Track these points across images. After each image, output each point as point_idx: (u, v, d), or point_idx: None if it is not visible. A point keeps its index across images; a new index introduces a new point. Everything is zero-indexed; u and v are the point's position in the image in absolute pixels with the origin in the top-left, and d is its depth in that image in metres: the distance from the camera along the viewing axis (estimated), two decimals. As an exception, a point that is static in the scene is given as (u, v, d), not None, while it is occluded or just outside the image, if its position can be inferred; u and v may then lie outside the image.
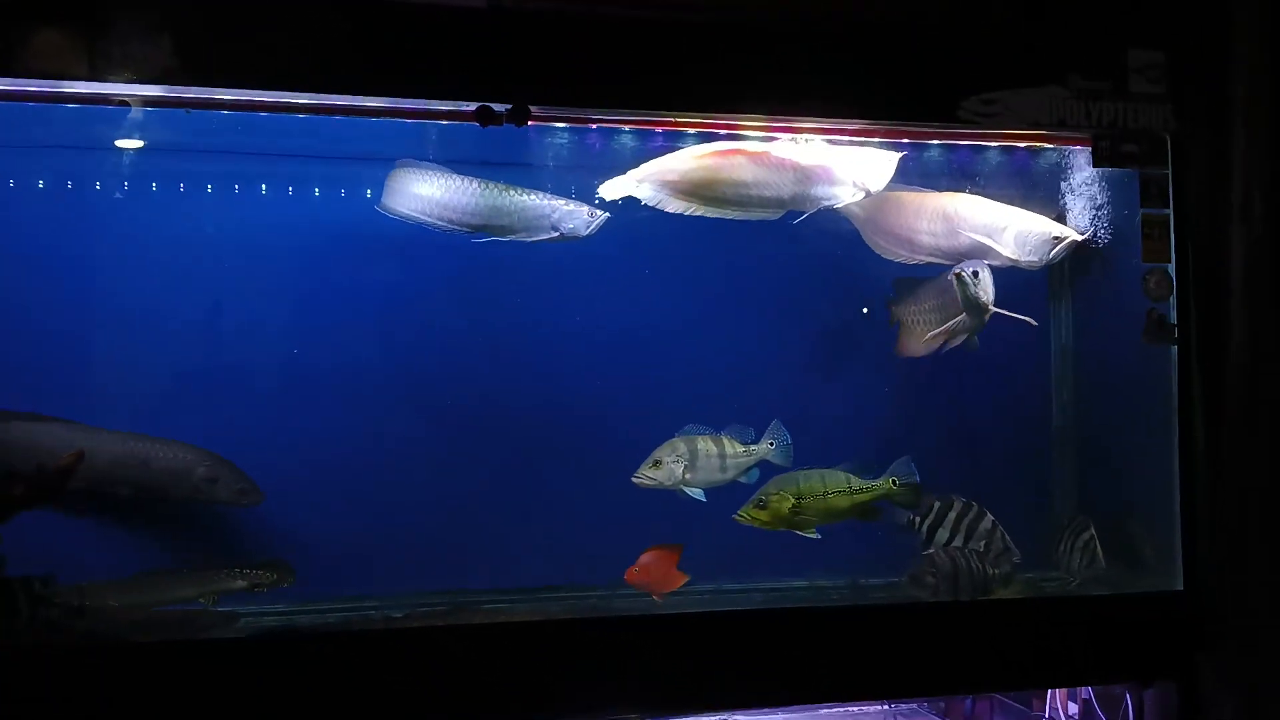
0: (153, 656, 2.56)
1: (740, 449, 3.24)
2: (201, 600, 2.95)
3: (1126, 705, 3.28)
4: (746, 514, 3.08)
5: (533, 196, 3.17)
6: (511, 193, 3.16)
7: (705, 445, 3.21)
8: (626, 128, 3.10)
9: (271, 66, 2.65)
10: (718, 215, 3.19)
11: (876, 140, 3.20)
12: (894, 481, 3.20)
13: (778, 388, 3.52)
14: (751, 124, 3.03)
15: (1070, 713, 3.48)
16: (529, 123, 2.79)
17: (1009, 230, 3.38)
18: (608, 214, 3.21)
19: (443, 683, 2.65)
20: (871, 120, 3.04)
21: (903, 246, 3.43)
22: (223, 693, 2.55)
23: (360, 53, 2.71)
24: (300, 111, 2.79)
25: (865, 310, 3.62)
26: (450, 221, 3.13)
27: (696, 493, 3.21)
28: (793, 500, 3.08)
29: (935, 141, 3.34)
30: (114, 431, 3.02)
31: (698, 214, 3.17)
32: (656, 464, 3.17)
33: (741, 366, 3.52)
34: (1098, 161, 3.13)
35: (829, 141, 3.12)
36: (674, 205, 3.17)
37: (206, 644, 2.70)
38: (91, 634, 2.72)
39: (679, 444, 3.20)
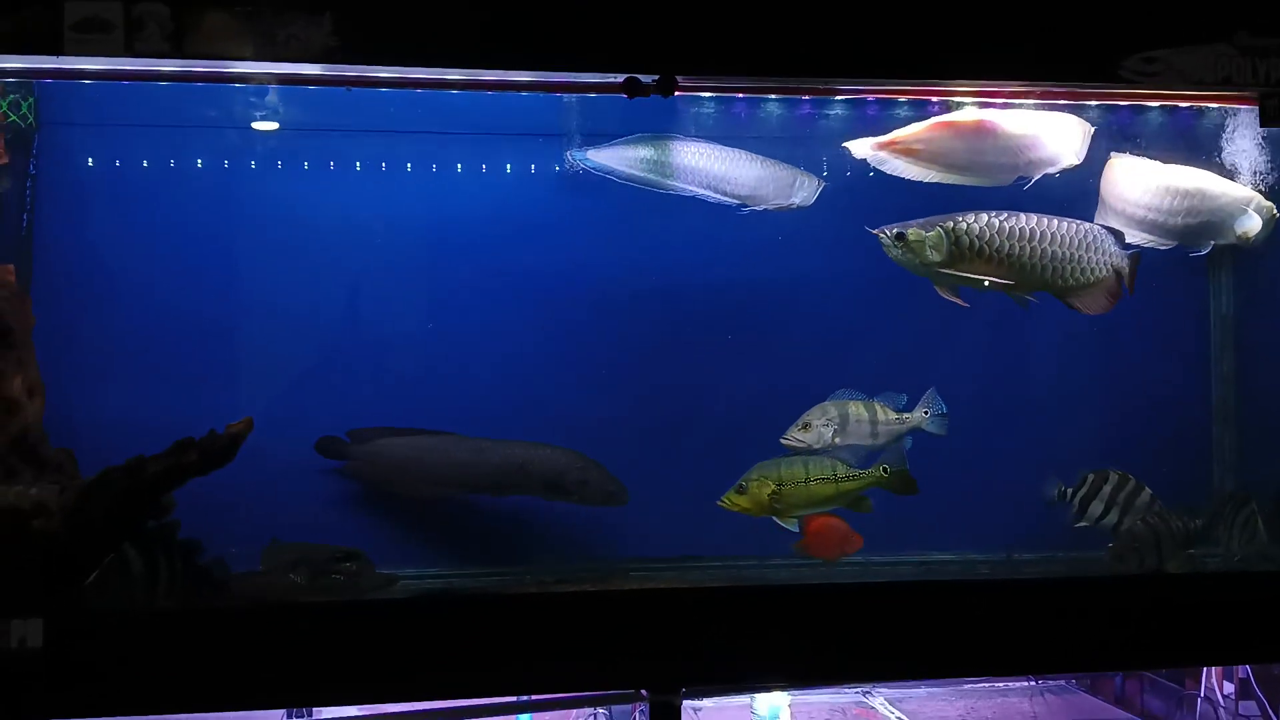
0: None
1: (893, 416, 3.21)
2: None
3: (1288, 685, 3.18)
4: (727, 499, 3.02)
5: (776, 167, 3.27)
6: (770, 165, 3.27)
7: (856, 410, 3.19)
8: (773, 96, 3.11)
9: (425, 43, 2.69)
10: (953, 181, 3.23)
11: (1032, 102, 3.12)
12: (884, 469, 3.09)
13: (927, 355, 3.48)
14: (899, 89, 2.99)
15: (1226, 692, 3.39)
16: (676, 93, 2.78)
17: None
18: (826, 182, 3.27)
19: (591, 645, 2.68)
20: (1030, 81, 2.95)
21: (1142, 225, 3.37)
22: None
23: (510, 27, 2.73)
24: (454, 88, 2.83)
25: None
26: (723, 192, 3.24)
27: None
28: (773, 486, 3.02)
29: (1094, 103, 3.23)
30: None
31: (933, 180, 3.21)
32: (806, 426, 3.16)
33: (904, 338, 3.50)
34: (1265, 120, 3.00)
35: (984, 104, 3.07)
36: (912, 172, 3.22)
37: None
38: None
39: (829, 408, 3.18)
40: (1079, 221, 3.17)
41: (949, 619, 2.86)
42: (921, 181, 3.23)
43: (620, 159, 3.23)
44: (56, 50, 2.56)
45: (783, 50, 2.81)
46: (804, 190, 3.27)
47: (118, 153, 3.22)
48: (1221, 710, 3.38)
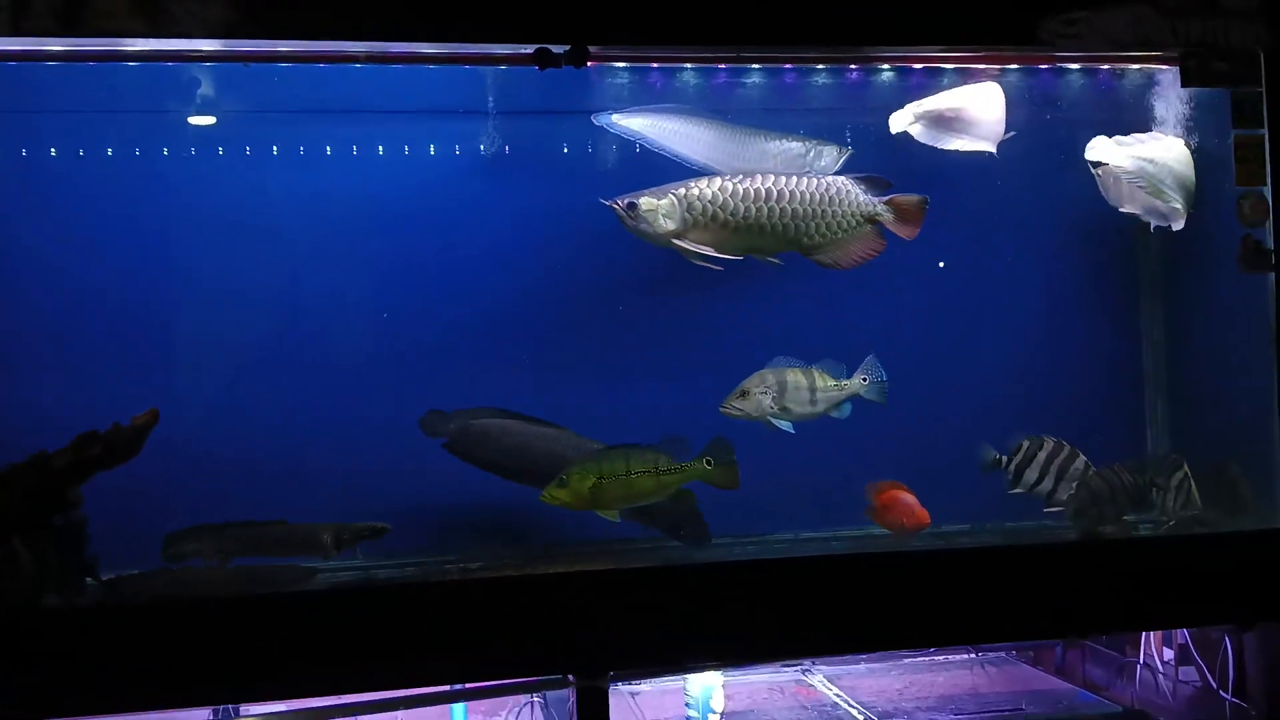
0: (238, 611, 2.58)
1: (831, 383, 3.17)
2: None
3: (1225, 649, 3.19)
4: (549, 493, 2.95)
5: (790, 140, 3.21)
6: (772, 138, 3.21)
7: (795, 378, 3.14)
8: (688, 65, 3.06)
9: (327, 15, 2.62)
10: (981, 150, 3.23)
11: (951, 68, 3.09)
12: (708, 461, 3.01)
13: (871, 326, 3.44)
14: (815, 57, 2.96)
15: (1166, 658, 3.39)
16: (588, 64, 2.73)
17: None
18: (851, 150, 3.22)
19: (515, 631, 2.64)
20: (946, 46, 2.92)
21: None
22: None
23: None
24: (359, 61, 2.76)
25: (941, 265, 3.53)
26: (719, 165, 3.16)
27: (785, 425, 3.14)
28: (593, 480, 2.93)
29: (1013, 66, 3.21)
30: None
31: (967, 150, 3.21)
32: (744, 394, 3.11)
33: (836, 305, 3.46)
34: (1186, 81, 2.99)
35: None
36: (953, 144, 3.22)
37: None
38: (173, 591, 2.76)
39: (767, 375, 3.14)
40: (821, 176, 3.13)
41: (884, 592, 2.85)
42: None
43: (645, 126, 3.15)
44: (-63, 30, 2.48)
45: (696, 18, 2.77)
46: (822, 159, 3.21)
47: (22, 140, 3.10)
48: (1161, 676, 3.38)
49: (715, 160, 3.16)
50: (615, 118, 3.14)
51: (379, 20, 2.65)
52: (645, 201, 3.02)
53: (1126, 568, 2.97)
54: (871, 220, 3.14)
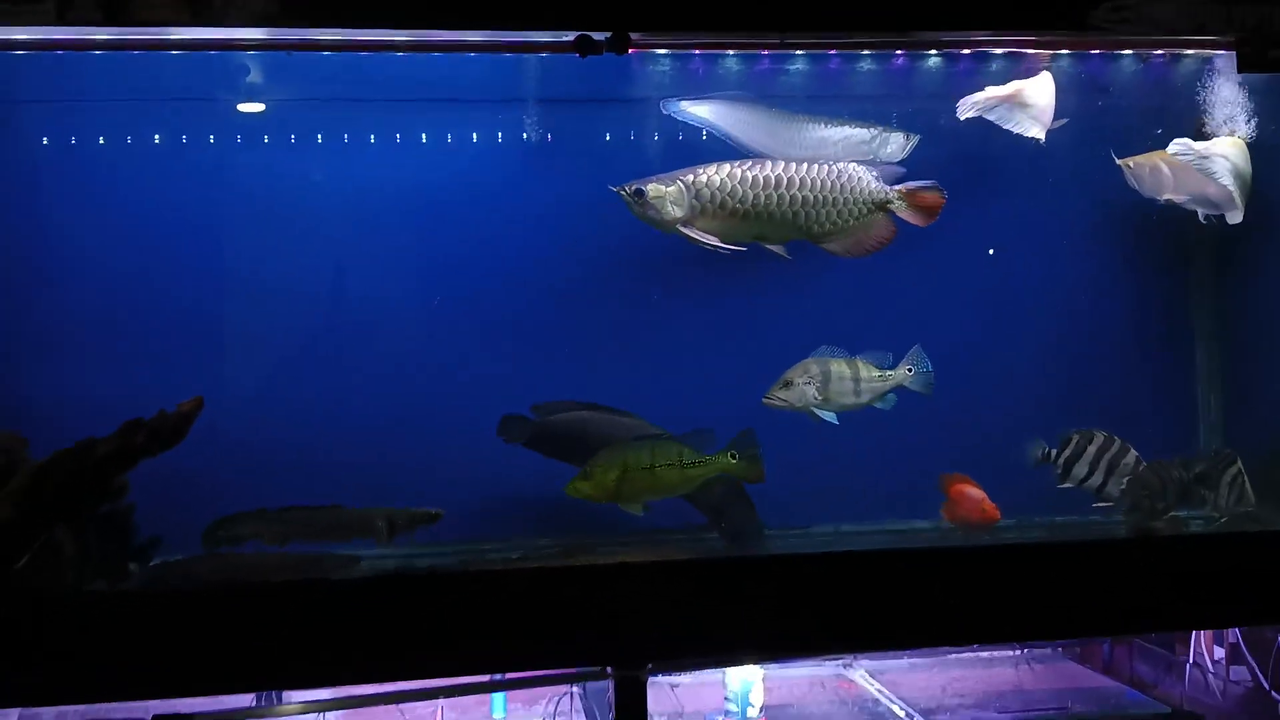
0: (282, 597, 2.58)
1: (876, 374, 3.13)
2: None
3: (1279, 648, 3.10)
4: (573, 486, 2.94)
5: (852, 126, 3.19)
6: (834, 124, 3.18)
7: (839, 367, 3.10)
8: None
9: (368, 3, 2.61)
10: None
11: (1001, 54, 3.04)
12: (732, 455, 2.98)
13: (917, 316, 3.40)
14: (863, 42, 2.91)
15: (1216, 657, 3.33)
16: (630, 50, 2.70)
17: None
18: (919, 136, 3.19)
19: (555, 622, 2.62)
20: (995, 31, 2.87)
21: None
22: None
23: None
24: (400, 49, 2.75)
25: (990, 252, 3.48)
26: (776, 153, 3.13)
27: (829, 415, 3.10)
28: (618, 472, 2.92)
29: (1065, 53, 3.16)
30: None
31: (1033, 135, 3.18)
32: (787, 384, 3.08)
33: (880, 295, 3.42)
34: (1242, 67, 2.91)
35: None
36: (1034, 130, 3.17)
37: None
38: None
39: (811, 365, 3.10)
40: (831, 163, 3.08)
41: (928, 588, 2.79)
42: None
43: (714, 114, 3.14)
44: (-15, 20, 2.50)
45: (741, 4, 2.73)
46: (889, 146, 3.18)
47: (65, 129, 3.12)
48: (1211, 676, 3.32)
49: (772, 148, 3.13)
50: (684, 105, 3.12)
51: (421, 7, 2.64)
52: (653, 188, 3.00)
53: (1178, 565, 2.89)
54: (883, 208, 3.10)
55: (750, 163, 3.03)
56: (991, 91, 3.14)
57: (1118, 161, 3.28)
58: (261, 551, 2.88)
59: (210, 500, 2.94)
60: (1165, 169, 3.26)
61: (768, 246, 3.09)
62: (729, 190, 3.00)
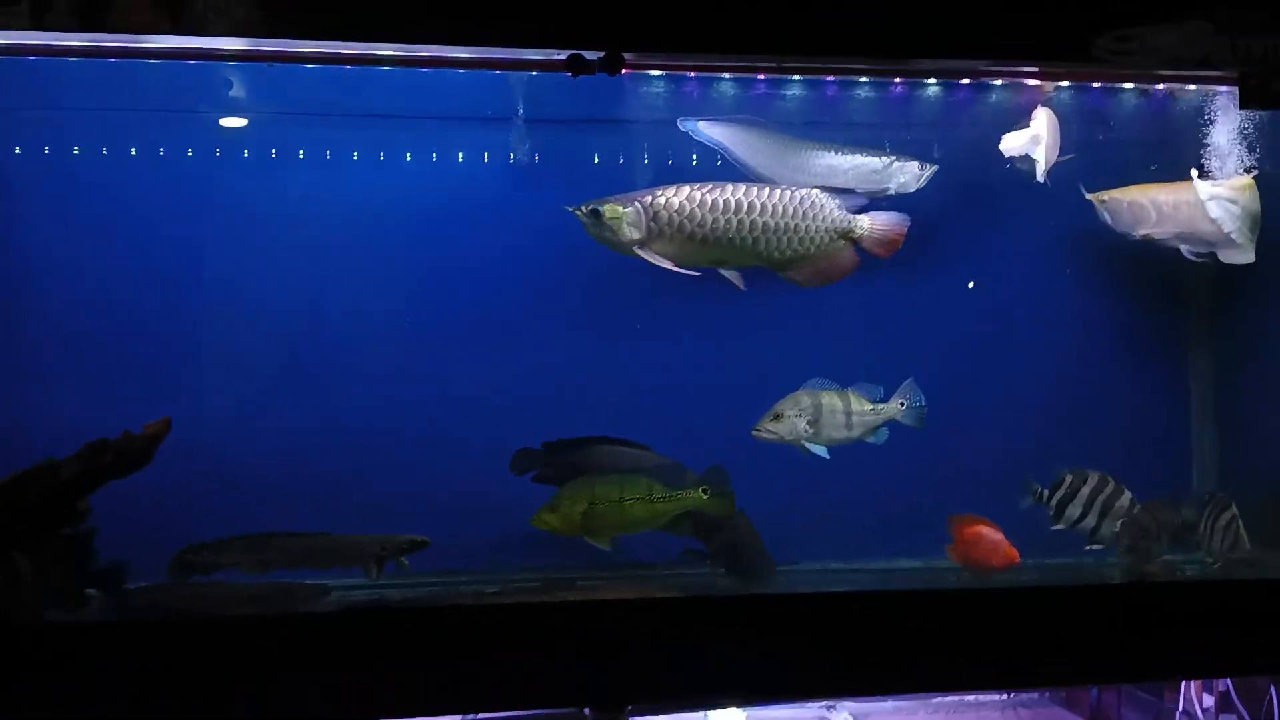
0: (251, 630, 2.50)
1: (867, 407, 3.08)
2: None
3: (1271, 698, 3.10)
4: (539, 518, 2.90)
5: (865, 155, 3.14)
6: (844, 151, 3.14)
7: (830, 400, 3.06)
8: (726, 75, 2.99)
9: (355, 15, 2.55)
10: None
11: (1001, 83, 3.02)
12: (704, 491, 2.93)
13: (909, 348, 3.35)
14: (861, 68, 2.88)
15: (1205, 705, 3.28)
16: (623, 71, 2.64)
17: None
18: (937, 167, 3.15)
19: (531, 660, 2.54)
20: (998, 61, 2.83)
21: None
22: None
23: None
24: (386, 64, 2.69)
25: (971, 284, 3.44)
26: (780, 178, 3.10)
27: (819, 449, 3.05)
28: (585, 505, 2.88)
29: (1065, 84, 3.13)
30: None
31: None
32: (777, 417, 3.04)
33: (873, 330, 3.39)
34: (1245, 102, 2.87)
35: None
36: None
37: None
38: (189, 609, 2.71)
39: (802, 397, 3.06)
40: (794, 189, 3.04)
41: (915, 631, 2.72)
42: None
43: (728, 137, 3.10)
44: (-44, 24, 2.42)
45: (737, 26, 2.67)
46: (900, 176, 3.13)
47: (45, 139, 3.06)
48: (1201, 724, 3.26)
49: (777, 173, 3.10)
50: (700, 124, 3.08)
51: (408, 22, 2.57)
52: (609, 209, 2.95)
53: (1170, 610, 2.84)
54: (846, 237, 3.04)
55: (710, 186, 2.99)
56: (1012, 140, 3.12)
57: (1088, 196, 3.25)
58: (226, 581, 2.80)
59: (175, 525, 2.86)
60: (1148, 204, 3.22)
61: (725, 273, 3.04)
62: (687, 213, 2.95)
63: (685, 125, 3.07)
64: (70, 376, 3.03)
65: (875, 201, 3.14)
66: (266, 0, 2.51)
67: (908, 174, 3.14)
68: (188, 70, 2.85)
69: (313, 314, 3.18)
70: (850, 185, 3.11)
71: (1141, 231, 3.24)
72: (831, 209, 3.04)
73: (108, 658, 2.38)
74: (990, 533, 3.04)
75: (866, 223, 3.07)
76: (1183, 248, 3.26)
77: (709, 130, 3.08)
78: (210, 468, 3.01)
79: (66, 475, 2.52)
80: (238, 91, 3.06)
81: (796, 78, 3.06)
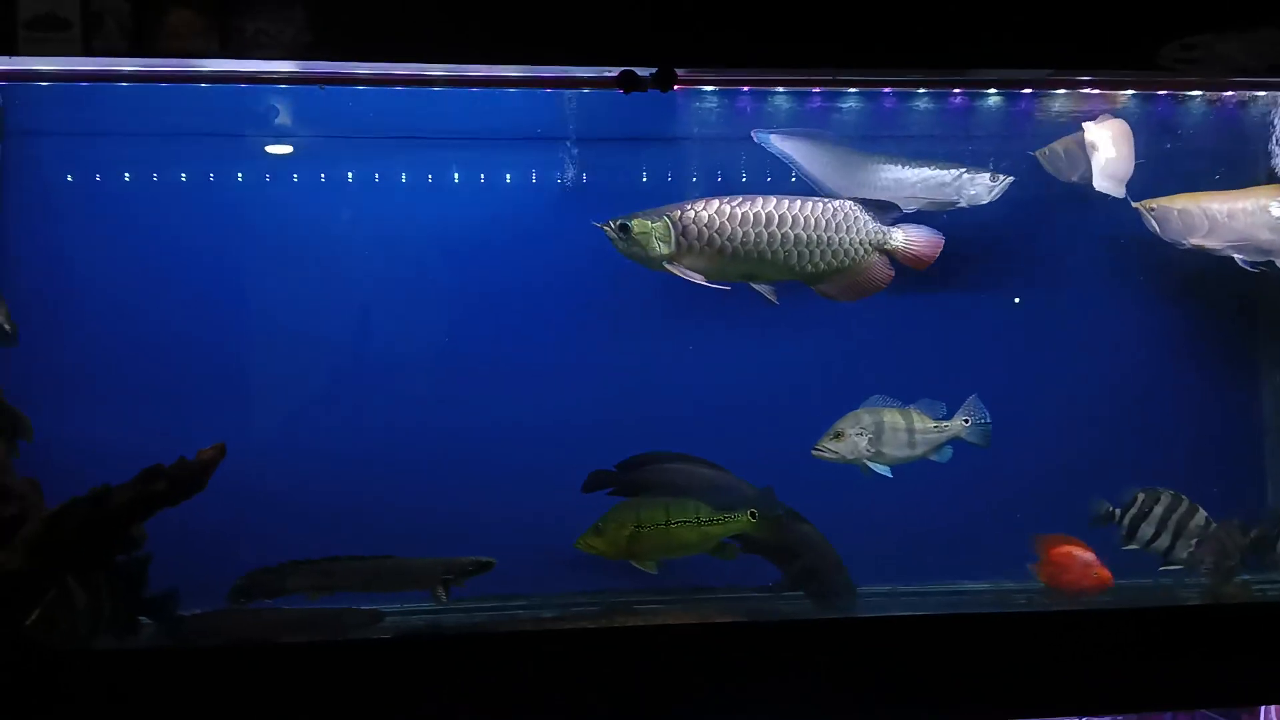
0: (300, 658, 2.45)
1: (930, 425, 3.01)
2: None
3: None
4: (583, 541, 2.86)
5: (934, 167, 3.11)
6: (911, 165, 3.11)
7: (892, 418, 3.01)
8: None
9: (405, 36, 2.53)
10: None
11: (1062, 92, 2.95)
12: (751, 514, 2.88)
13: (972, 366, 3.30)
14: (918, 81, 2.82)
15: (1284, 730, 3.15)
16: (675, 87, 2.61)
17: None
18: (1012, 178, 3.11)
19: (599, 688, 2.48)
20: (1060, 70, 2.76)
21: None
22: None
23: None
24: (437, 85, 2.67)
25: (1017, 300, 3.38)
26: (846, 191, 3.07)
27: (882, 469, 2.99)
28: (631, 528, 2.83)
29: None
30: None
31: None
32: (838, 436, 2.98)
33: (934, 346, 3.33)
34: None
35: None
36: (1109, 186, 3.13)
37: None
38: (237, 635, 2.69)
39: (863, 415, 3.01)
40: (827, 200, 2.97)
41: (978, 656, 2.65)
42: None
43: (799, 151, 3.08)
44: (10, 50, 2.44)
45: (789, 40, 2.63)
46: (971, 189, 3.09)
47: (91, 163, 3.08)
48: (1281, 751, 3.15)
49: (843, 186, 3.06)
50: (773, 137, 3.06)
51: (459, 42, 2.55)
52: (638, 224, 2.90)
53: (1250, 633, 2.75)
54: (880, 249, 2.98)
55: (741, 199, 2.94)
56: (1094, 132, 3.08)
57: (1134, 205, 3.17)
58: (275, 607, 2.79)
59: (224, 551, 2.86)
60: (1199, 212, 3.15)
61: (755, 287, 2.98)
62: (717, 227, 2.90)
63: (758, 137, 3.04)
64: (123, 402, 3.03)
65: (919, 216, 3.09)
66: (316, 23, 2.49)
67: (979, 185, 3.08)
68: (234, 94, 2.88)
69: (364, 337, 3.17)
70: (919, 198, 3.06)
71: (1192, 240, 3.16)
72: (865, 221, 2.98)
73: (155, 685, 2.35)
74: (1082, 553, 2.95)
75: (900, 235, 3.01)
76: (1237, 257, 3.18)
77: (779, 143, 3.05)
78: (261, 492, 2.98)
79: (120, 501, 2.49)
80: (284, 119, 3.07)
81: (853, 90, 3.02)
